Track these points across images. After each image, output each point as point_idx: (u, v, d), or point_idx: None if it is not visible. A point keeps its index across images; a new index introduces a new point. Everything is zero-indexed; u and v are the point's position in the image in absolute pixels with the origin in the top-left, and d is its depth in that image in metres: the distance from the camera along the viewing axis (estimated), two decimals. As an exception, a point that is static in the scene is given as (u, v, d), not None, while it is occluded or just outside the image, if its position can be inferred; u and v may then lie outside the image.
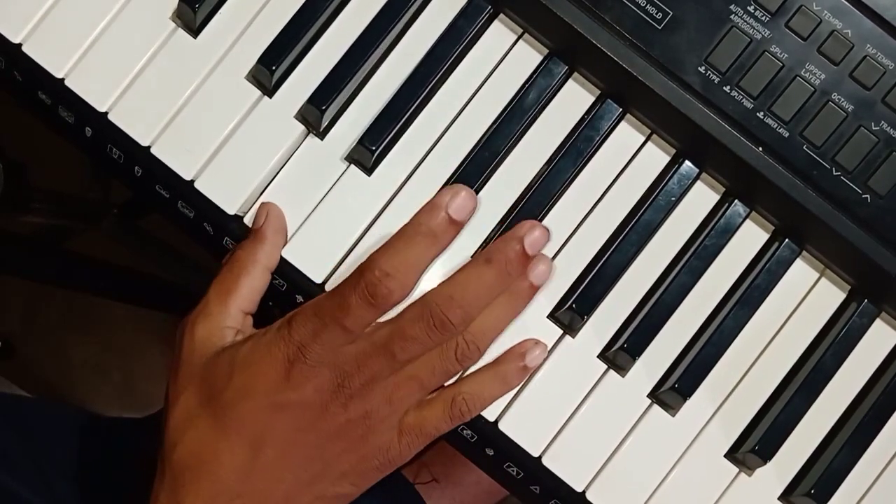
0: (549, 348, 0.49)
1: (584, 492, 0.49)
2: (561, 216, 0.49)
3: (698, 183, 0.50)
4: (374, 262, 0.45)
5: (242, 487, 0.44)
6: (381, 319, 0.46)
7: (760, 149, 0.47)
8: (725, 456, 0.50)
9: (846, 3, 0.47)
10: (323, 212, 0.49)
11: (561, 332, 0.49)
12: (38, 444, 0.60)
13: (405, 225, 0.47)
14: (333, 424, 0.45)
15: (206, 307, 0.47)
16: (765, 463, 0.48)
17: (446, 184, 0.49)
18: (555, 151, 0.50)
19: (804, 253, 0.50)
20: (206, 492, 0.44)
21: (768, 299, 0.49)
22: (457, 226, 0.46)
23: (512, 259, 0.46)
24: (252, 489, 0.44)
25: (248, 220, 0.49)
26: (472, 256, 0.48)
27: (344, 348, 0.45)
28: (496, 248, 0.46)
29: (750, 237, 0.50)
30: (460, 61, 0.50)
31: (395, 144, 0.49)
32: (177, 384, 0.46)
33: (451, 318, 0.45)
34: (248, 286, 0.47)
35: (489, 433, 0.48)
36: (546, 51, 0.50)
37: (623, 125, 0.50)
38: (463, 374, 0.48)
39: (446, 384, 0.47)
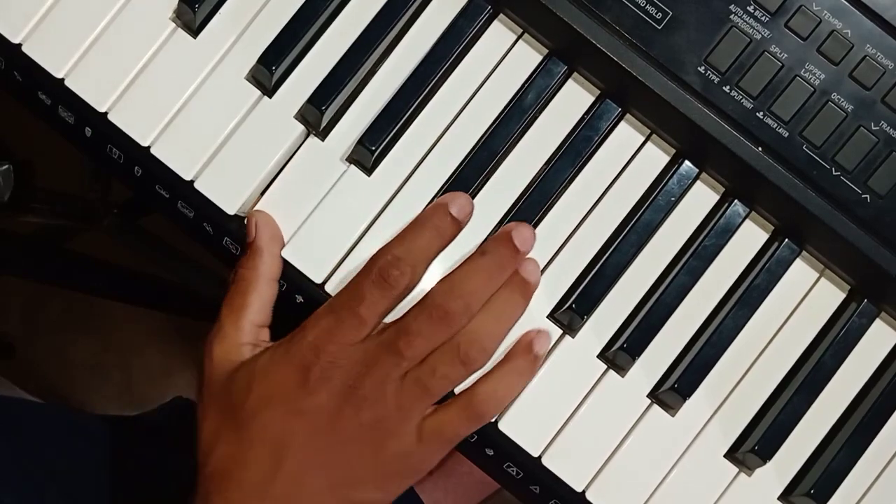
0: (549, 345, 0.49)
1: (583, 492, 0.49)
2: (561, 216, 0.49)
3: (698, 183, 0.50)
4: (385, 250, 0.46)
5: (267, 493, 0.45)
6: (388, 320, 0.47)
7: (760, 149, 0.47)
8: (725, 456, 0.50)
9: (846, 3, 0.47)
10: (323, 212, 0.49)
11: (561, 332, 0.49)
12: (27, 447, 0.59)
13: (412, 221, 0.48)
14: (348, 429, 0.45)
15: (221, 329, 0.48)
16: (764, 463, 0.48)
17: (446, 183, 0.49)
18: (554, 151, 0.50)
19: (804, 253, 0.50)
20: (233, 499, 0.45)
21: (768, 299, 0.49)
22: (458, 225, 0.48)
23: (504, 251, 0.47)
24: (276, 495, 0.45)
25: (241, 218, 0.49)
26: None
27: (354, 349, 0.45)
28: (489, 242, 0.48)
29: (750, 237, 0.50)
30: (460, 61, 0.50)
31: (395, 144, 0.49)
32: (202, 407, 0.48)
33: (451, 308, 0.45)
34: (256, 301, 0.48)
35: (489, 433, 0.49)
36: (546, 51, 0.50)
37: (623, 125, 0.50)
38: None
39: (459, 391, 0.47)
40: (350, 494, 0.46)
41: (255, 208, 0.49)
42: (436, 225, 0.47)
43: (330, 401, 0.45)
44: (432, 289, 0.47)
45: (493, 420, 0.48)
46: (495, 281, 0.47)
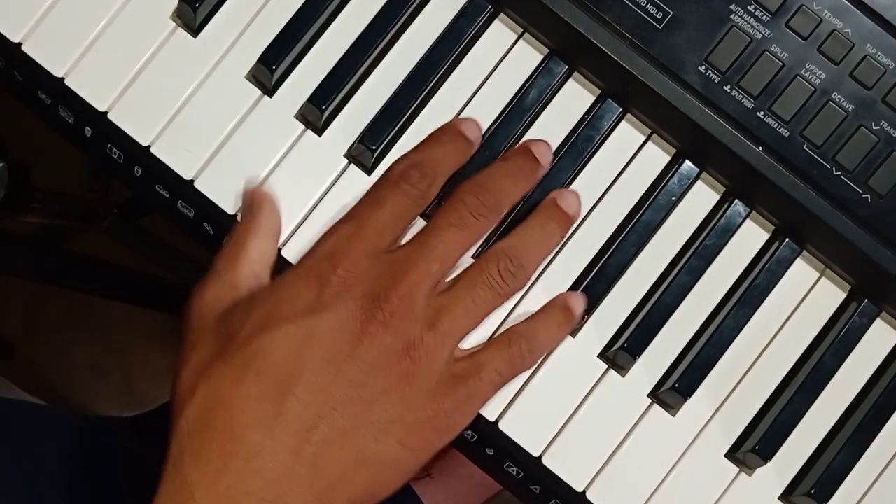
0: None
1: (584, 491, 0.49)
2: (561, 216, 0.49)
3: (698, 182, 0.50)
4: (403, 157, 0.45)
5: (264, 442, 0.36)
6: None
7: (760, 148, 0.47)
8: (725, 456, 0.50)
9: (846, 2, 0.47)
10: (323, 211, 0.49)
11: (561, 331, 0.49)
12: (21, 448, 0.59)
13: (426, 137, 0.46)
14: (371, 355, 0.38)
15: (215, 270, 0.43)
16: (765, 463, 0.48)
17: (445, 183, 0.49)
18: (555, 151, 0.50)
19: (804, 252, 0.50)
20: (216, 454, 0.36)
21: (768, 299, 0.49)
22: (471, 144, 0.46)
23: (524, 161, 0.45)
24: (276, 445, 0.37)
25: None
26: (472, 257, 0.49)
27: (377, 258, 0.40)
28: (510, 151, 0.47)
29: (750, 237, 0.50)
30: (460, 61, 0.50)
31: (395, 144, 0.49)
32: (185, 349, 0.40)
33: (483, 201, 0.43)
34: (256, 248, 0.44)
35: (489, 433, 0.48)
36: (546, 50, 0.50)
37: (623, 125, 0.50)
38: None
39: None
40: (368, 447, 0.38)
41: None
42: (452, 140, 0.45)
43: (351, 317, 0.39)
44: (459, 186, 0.44)
45: (493, 420, 0.48)
46: (521, 186, 0.45)
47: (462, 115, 0.49)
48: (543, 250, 0.45)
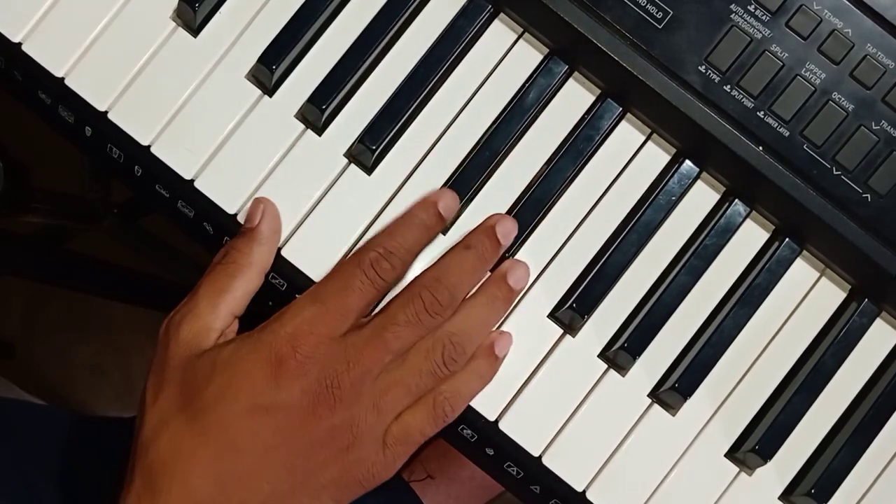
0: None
1: (584, 491, 0.49)
2: (561, 215, 0.49)
3: (698, 182, 0.50)
4: (375, 242, 0.46)
5: (216, 497, 0.42)
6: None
7: (761, 148, 0.47)
8: (726, 456, 0.50)
9: (846, 2, 0.47)
10: (323, 211, 0.49)
11: (561, 331, 0.49)
12: (21, 448, 0.59)
13: (400, 216, 0.48)
14: (319, 430, 0.43)
15: (196, 306, 0.46)
16: (765, 462, 0.48)
17: (447, 183, 0.49)
18: (555, 151, 0.50)
19: (804, 252, 0.50)
20: (176, 500, 0.41)
21: (768, 299, 0.49)
22: (443, 221, 0.48)
23: (488, 243, 0.47)
24: (226, 499, 0.42)
25: (242, 218, 0.49)
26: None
27: (335, 343, 0.44)
28: (472, 235, 0.48)
29: (750, 237, 0.50)
30: (460, 61, 0.50)
31: (395, 143, 0.49)
32: (154, 384, 0.45)
33: (439, 299, 0.45)
34: (241, 288, 0.46)
35: (489, 433, 0.48)
36: (546, 50, 0.50)
37: (623, 125, 0.50)
38: None
39: None
40: (306, 500, 0.43)
41: (261, 195, 0.48)
42: (424, 220, 0.47)
43: (303, 398, 0.43)
44: (418, 279, 0.46)
45: (493, 420, 0.48)
46: (479, 274, 0.47)
47: (462, 114, 0.49)
48: (486, 330, 0.48)
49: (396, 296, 0.46)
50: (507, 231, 0.48)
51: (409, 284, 0.46)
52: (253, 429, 0.42)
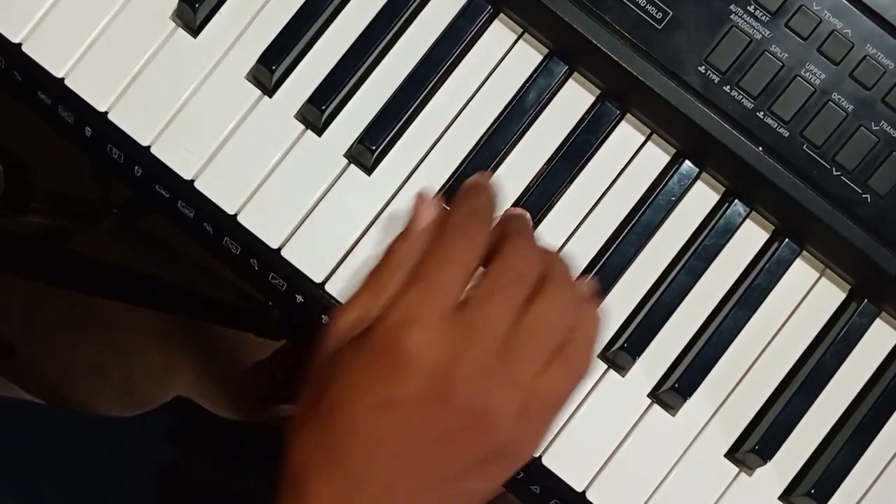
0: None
1: (584, 491, 0.49)
2: (561, 216, 0.49)
3: (698, 183, 0.50)
4: (454, 210, 0.43)
5: (357, 496, 0.40)
6: None
7: (760, 148, 0.47)
8: (725, 456, 0.50)
9: (846, 2, 0.47)
10: (323, 211, 0.49)
11: (561, 331, 0.49)
12: (21, 448, 0.59)
13: (459, 193, 0.45)
14: (448, 419, 0.40)
15: (353, 298, 0.43)
16: (765, 463, 0.48)
17: (447, 183, 0.49)
18: (555, 151, 0.50)
19: (804, 253, 0.50)
20: (318, 500, 0.40)
21: (768, 299, 0.49)
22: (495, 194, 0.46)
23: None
24: (368, 497, 0.40)
25: (242, 218, 0.49)
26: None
27: (445, 324, 0.40)
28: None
29: (750, 237, 0.50)
30: (460, 61, 0.50)
31: (395, 144, 0.49)
32: (305, 378, 0.43)
33: (531, 247, 0.43)
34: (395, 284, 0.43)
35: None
36: (546, 50, 0.50)
37: (623, 125, 0.50)
38: None
39: None
40: (450, 490, 0.40)
41: (261, 195, 0.48)
42: (486, 189, 0.45)
43: (424, 387, 0.39)
44: (504, 251, 0.42)
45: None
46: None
47: (462, 114, 0.49)
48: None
49: (493, 259, 0.42)
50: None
51: (498, 258, 0.42)
52: (380, 426, 0.40)
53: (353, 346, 0.41)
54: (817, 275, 0.50)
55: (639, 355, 0.49)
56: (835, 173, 0.48)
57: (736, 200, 0.50)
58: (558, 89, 0.50)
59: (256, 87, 0.49)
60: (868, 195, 0.48)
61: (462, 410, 0.39)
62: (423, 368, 0.39)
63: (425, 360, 0.39)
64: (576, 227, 0.49)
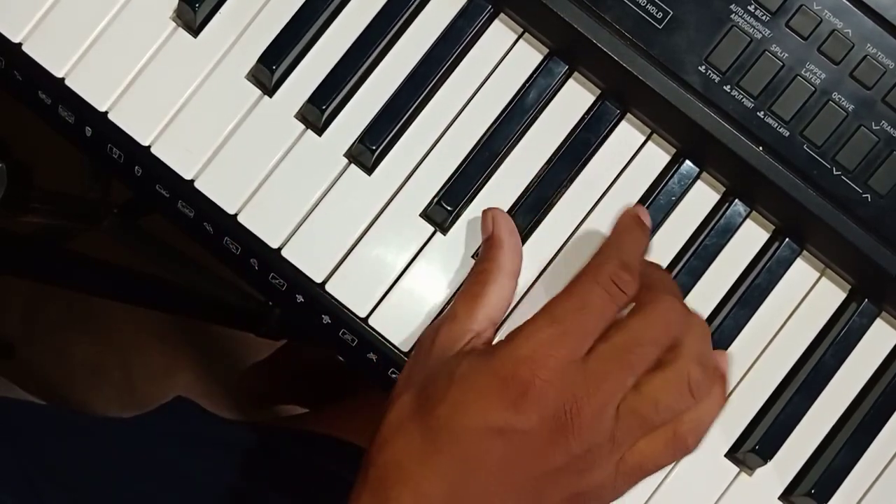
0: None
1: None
2: (561, 216, 0.49)
3: (698, 182, 0.50)
4: (606, 256, 0.43)
5: None
6: None
7: (761, 148, 0.47)
8: (726, 456, 0.50)
9: (846, 2, 0.47)
10: (323, 211, 0.49)
11: (561, 331, 0.49)
12: (21, 448, 0.59)
13: (615, 231, 0.46)
14: (555, 458, 0.41)
15: (454, 313, 0.46)
16: (765, 463, 0.48)
17: (447, 183, 0.49)
18: (555, 151, 0.50)
19: (804, 253, 0.50)
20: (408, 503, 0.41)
21: (768, 299, 0.49)
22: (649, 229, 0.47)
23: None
24: None
25: (242, 219, 0.49)
26: (473, 257, 0.49)
27: (575, 367, 0.41)
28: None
29: (750, 237, 0.50)
30: (460, 61, 0.50)
31: (395, 144, 0.49)
32: (402, 381, 0.45)
33: (678, 308, 0.43)
34: (495, 293, 0.46)
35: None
36: (546, 50, 0.50)
37: (623, 125, 0.50)
38: None
39: None
40: None
41: (261, 194, 0.48)
42: (641, 227, 0.45)
43: (541, 425, 0.40)
44: (646, 308, 0.43)
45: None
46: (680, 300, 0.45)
47: (462, 114, 0.49)
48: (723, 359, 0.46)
49: (631, 315, 0.43)
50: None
51: (639, 306, 0.43)
52: (487, 449, 0.41)
53: (477, 362, 0.42)
54: (817, 275, 0.50)
55: (639, 355, 0.48)
56: (835, 173, 0.48)
57: (736, 200, 0.50)
58: (558, 89, 0.50)
59: (256, 86, 0.49)
60: (868, 195, 0.48)
61: (569, 454, 0.40)
62: (546, 407, 0.40)
63: (549, 400, 0.40)
64: (576, 227, 0.49)
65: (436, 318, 0.48)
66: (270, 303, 0.98)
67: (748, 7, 0.47)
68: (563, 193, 0.49)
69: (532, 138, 0.50)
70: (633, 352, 0.41)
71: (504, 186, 0.49)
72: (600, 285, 0.42)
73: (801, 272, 0.50)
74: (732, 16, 0.47)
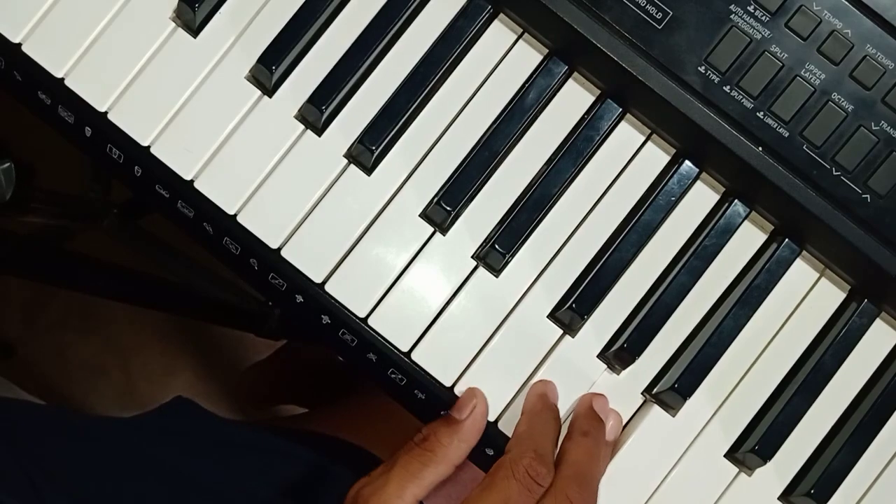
0: (550, 347, 0.48)
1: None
2: (561, 216, 0.49)
3: (698, 183, 0.50)
4: (521, 448, 0.46)
5: None
6: None
7: (760, 149, 0.47)
8: (725, 456, 0.50)
9: (846, 2, 0.47)
10: (323, 211, 0.49)
11: (561, 331, 0.49)
12: (21, 448, 0.59)
13: (530, 410, 0.48)
14: None
15: (385, 486, 0.47)
16: (765, 463, 0.48)
17: (447, 183, 0.49)
18: (555, 151, 0.50)
19: (804, 253, 0.50)
20: None
21: (768, 299, 0.49)
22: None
23: (593, 418, 0.48)
24: None
25: (242, 219, 0.49)
26: (472, 258, 0.49)
27: None
28: (580, 418, 0.48)
29: (750, 237, 0.50)
30: (460, 61, 0.50)
31: (395, 144, 0.49)
32: None
33: (587, 498, 0.45)
34: (431, 478, 0.47)
35: (490, 433, 0.49)
36: (546, 50, 0.50)
37: (623, 125, 0.50)
38: None
39: None
40: None
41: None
42: (550, 410, 0.47)
43: None
44: (560, 477, 0.46)
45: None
46: (606, 459, 0.49)
47: (462, 115, 0.49)
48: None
49: (550, 496, 0.45)
50: (603, 407, 0.48)
51: (552, 488, 0.45)
52: None
53: None
54: (817, 275, 0.50)
55: (638, 355, 0.49)
56: (835, 173, 0.48)
57: (736, 200, 0.50)
58: (558, 89, 0.50)
59: (256, 87, 0.49)
60: (868, 195, 0.48)
61: None
62: None
63: None
64: (576, 227, 0.49)
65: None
66: (270, 303, 0.98)
67: (748, 7, 0.47)
68: (563, 194, 0.49)
69: (532, 139, 0.50)
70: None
71: (504, 187, 0.49)
72: (518, 480, 0.45)
73: (801, 272, 0.50)
74: (732, 16, 0.47)
